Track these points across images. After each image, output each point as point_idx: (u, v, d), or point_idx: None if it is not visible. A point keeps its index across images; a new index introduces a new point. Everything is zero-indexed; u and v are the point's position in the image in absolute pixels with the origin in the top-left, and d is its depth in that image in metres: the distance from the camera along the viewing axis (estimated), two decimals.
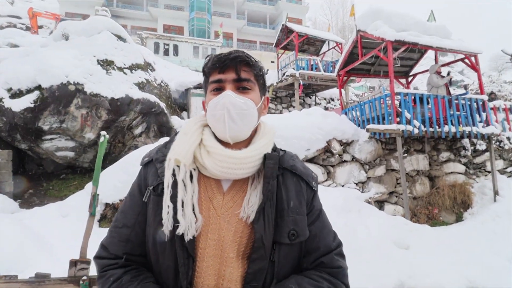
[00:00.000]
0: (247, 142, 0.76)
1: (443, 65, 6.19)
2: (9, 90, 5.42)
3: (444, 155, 5.84)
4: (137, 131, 6.58)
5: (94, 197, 1.72)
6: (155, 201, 0.70)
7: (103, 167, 4.13)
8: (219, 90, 0.73)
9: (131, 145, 6.54)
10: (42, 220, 3.77)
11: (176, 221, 0.65)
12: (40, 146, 5.67)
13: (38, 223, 3.66)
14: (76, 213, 3.83)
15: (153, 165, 0.75)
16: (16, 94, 5.40)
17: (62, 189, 5.66)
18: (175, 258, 0.66)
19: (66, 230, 3.51)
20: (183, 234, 0.65)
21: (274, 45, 12.16)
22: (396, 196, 5.28)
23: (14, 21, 20.44)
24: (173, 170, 0.69)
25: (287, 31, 11.11)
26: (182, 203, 0.67)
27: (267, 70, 13.28)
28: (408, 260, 3.47)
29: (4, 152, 5.38)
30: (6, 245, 2.92)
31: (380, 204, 5.13)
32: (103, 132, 1.78)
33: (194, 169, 0.71)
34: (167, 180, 0.68)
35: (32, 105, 5.26)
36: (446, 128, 5.08)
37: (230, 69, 0.73)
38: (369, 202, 4.84)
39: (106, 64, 6.27)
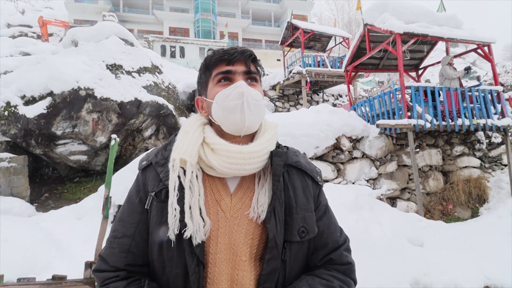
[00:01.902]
0: (250, 138, 0.74)
1: (455, 56, 6.01)
2: (23, 97, 5.59)
3: (458, 149, 5.67)
4: (147, 133, 6.68)
5: (107, 200, 1.75)
6: (159, 207, 0.66)
7: (115, 169, 4.21)
8: (227, 80, 0.71)
9: (141, 147, 6.64)
10: (58, 223, 3.88)
11: (183, 225, 0.62)
12: (54, 150, 5.83)
13: (54, 226, 3.76)
14: (90, 215, 3.92)
15: (152, 169, 0.71)
16: (30, 101, 5.56)
17: (76, 192, 5.80)
18: (184, 265, 0.63)
19: (81, 232, 3.60)
20: (191, 240, 0.63)
21: (279, 43, 12.09)
22: (409, 193, 5.17)
23: (26, 30, 21.08)
24: (178, 172, 0.66)
25: (292, 28, 11.02)
26: (190, 205, 0.64)
27: (266, 75, 13.27)
28: (423, 257, 3.39)
29: (20, 158, 5.56)
30: (24, 248, 3.01)
31: (392, 200, 5.04)
32: (113, 136, 1.81)
33: (198, 170, 0.69)
34: (173, 182, 0.65)
35: (45, 111, 5.41)
36: (459, 121, 4.94)
37: (240, 61, 0.71)
38: (381, 199, 4.76)
39: (115, 68, 6.38)
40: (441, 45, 6.69)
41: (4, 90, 5.67)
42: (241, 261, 0.66)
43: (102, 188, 4.55)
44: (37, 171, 6.17)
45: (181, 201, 0.64)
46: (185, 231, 0.62)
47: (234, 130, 0.70)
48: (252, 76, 0.73)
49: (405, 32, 4.70)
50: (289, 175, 0.73)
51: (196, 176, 0.67)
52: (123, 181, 4.01)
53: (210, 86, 0.73)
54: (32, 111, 5.37)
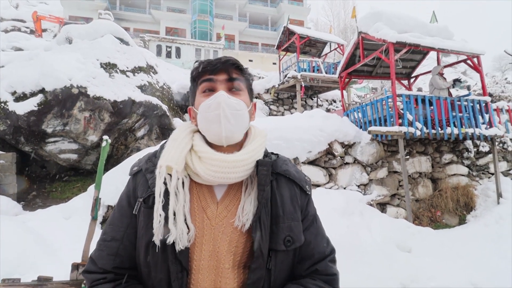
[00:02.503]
0: (238, 147, 0.74)
1: (446, 66, 6.16)
2: (14, 93, 5.48)
3: (447, 157, 5.80)
4: (140, 133, 6.62)
5: (96, 201, 1.74)
6: (146, 213, 0.67)
7: (106, 169, 4.15)
8: (210, 91, 0.72)
9: (133, 147, 6.58)
10: (45, 222, 3.80)
11: (167, 231, 0.63)
12: (43, 148, 5.72)
13: (41, 226, 3.68)
14: (79, 215, 3.86)
15: (142, 175, 0.73)
16: (20, 97, 5.46)
17: (65, 191, 5.70)
18: (168, 271, 0.64)
19: (68, 232, 3.53)
20: (175, 247, 0.64)
21: (275, 47, 12.19)
22: (399, 199, 5.25)
23: (19, 25, 20.68)
24: (165, 178, 0.67)
25: (288, 33, 11.14)
26: (174, 212, 0.65)
27: (259, 77, 13.26)
28: (411, 263, 3.45)
29: (8, 155, 5.43)
30: (9, 247, 2.94)
31: (382, 206, 5.11)
32: (105, 137, 1.80)
33: (186, 177, 0.69)
34: (159, 189, 0.66)
35: (36, 108, 5.32)
36: (448, 130, 5.05)
37: (222, 71, 0.72)
38: (371, 205, 4.82)
39: (109, 67, 6.32)
40: (433, 55, 6.86)
41: None
42: (224, 269, 0.66)
43: (91, 188, 4.48)
44: (25, 168, 6.04)
45: (166, 207, 0.65)
46: (168, 236, 0.63)
47: (215, 140, 0.71)
48: (235, 85, 0.73)
49: (398, 42, 4.81)
50: (278, 183, 0.74)
51: (183, 183, 0.68)
52: (113, 182, 3.96)
53: (196, 97, 0.75)
54: (22, 108, 5.27)
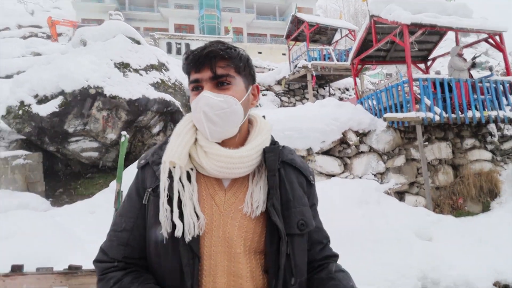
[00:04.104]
0: (243, 139, 0.75)
1: (465, 46, 5.86)
2: (35, 96, 5.76)
3: (469, 142, 5.56)
4: (155, 130, 6.79)
5: (119, 194, 1.82)
6: (155, 202, 0.68)
7: (126, 165, 4.32)
8: (198, 89, 0.71)
9: (150, 144, 6.77)
10: (72, 217, 4.03)
11: (174, 224, 0.65)
12: (66, 147, 6.01)
13: (69, 220, 3.91)
14: (103, 209, 4.05)
15: (149, 168, 0.74)
16: (42, 100, 5.72)
17: (89, 188, 5.98)
18: (178, 259, 0.65)
19: (94, 225, 3.72)
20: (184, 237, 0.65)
21: (284, 37, 11.99)
22: (418, 187, 5.12)
23: (36, 31, 21.49)
24: (170, 173, 0.68)
25: (297, 21, 10.90)
26: (180, 204, 0.66)
27: (269, 69, 13.07)
28: (431, 251, 3.38)
29: (34, 155, 5.76)
30: (41, 240, 3.15)
31: (400, 195, 5.00)
32: (123, 132, 1.87)
33: (192, 169, 0.70)
34: (163, 183, 0.67)
35: (57, 110, 5.57)
36: (470, 114, 4.84)
37: (206, 67, 0.69)
38: (388, 193, 4.73)
39: (123, 66, 6.48)
40: (451, 35, 6.52)
41: (17, 90, 5.85)
42: (236, 253, 0.67)
43: (113, 183, 4.67)
44: (51, 167, 6.38)
45: (171, 201, 0.66)
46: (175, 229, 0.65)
47: (208, 138, 0.71)
48: (222, 80, 0.69)
49: (412, 23, 4.60)
50: (285, 171, 0.75)
51: (189, 175, 0.69)
52: (132, 176, 4.11)
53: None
54: (44, 110, 5.53)
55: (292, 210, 0.71)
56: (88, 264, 2.03)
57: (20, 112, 5.60)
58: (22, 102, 5.66)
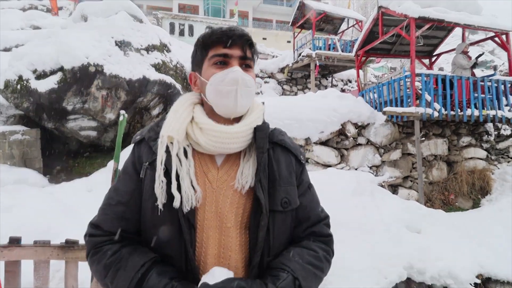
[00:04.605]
0: (237, 119, 0.77)
1: (471, 44, 5.79)
2: (34, 71, 5.67)
3: (465, 139, 5.62)
4: (155, 112, 6.76)
5: (116, 172, 1.86)
6: (152, 176, 0.70)
7: (124, 146, 4.34)
8: (222, 64, 0.73)
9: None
10: (70, 194, 4.09)
11: (170, 195, 0.67)
12: (65, 125, 5.99)
13: (66, 197, 3.97)
14: (101, 188, 4.10)
15: (145, 144, 0.76)
16: (41, 76, 5.64)
17: (86, 167, 6.02)
18: (176, 229, 0.68)
19: (91, 203, 3.77)
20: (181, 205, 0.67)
21: (290, 23, 11.73)
22: (411, 181, 5.20)
23: (36, 3, 20.83)
24: (167, 147, 0.70)
25: (304, 8, 10.64)
26: (178, 177, 0.68)
27: (273, 56, 12.84)
28: (419, 243, 3.49)
29: (32, 131, 5.75)
30: (40, 214, 3.22)
31: (394, 188, 5.09)
32: (122, 112, 1.89)
33: (188, 146, 0.73)
34: (160, 157, 0.69)
35: (56, 86, 5.50)
36: (468, 112, 4.85)
37: (237, 45, 0.73)
38: (382, 186, 4.82)
39: (124, 45, 6.36)
40: (458, 31, 6.42)
41: (16, 64, 5.75)
42: (226, 228, 0.71)
43: (111, 163, 4.71)
44: (49, 145, 6.38)
45: (168, 174, 0.68)
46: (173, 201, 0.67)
47: (225, 113, 0.74)
48: (247, 63, 0.75)
49: (420, 17, 4.53)
50: (274, 151, 0.78)
51: (186, 151, 0.71)
52: None
53: (205, 66, 0.76)
54: (43, 86, 5.47)
55: (277, 188, 0.74)
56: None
57: (19, 86, 5.54)
58: (20, 77, 5.58)
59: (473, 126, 5.76)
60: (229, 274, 0.67)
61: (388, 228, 3.56)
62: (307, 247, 0.75)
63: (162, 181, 0.67)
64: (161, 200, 0.67)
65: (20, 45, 8.81)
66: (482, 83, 4.98)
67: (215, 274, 0.65)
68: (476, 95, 4.94)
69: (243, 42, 0.73)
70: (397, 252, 3.23)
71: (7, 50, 9.32)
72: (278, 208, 0.73)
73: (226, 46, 0.72)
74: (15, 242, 1.63)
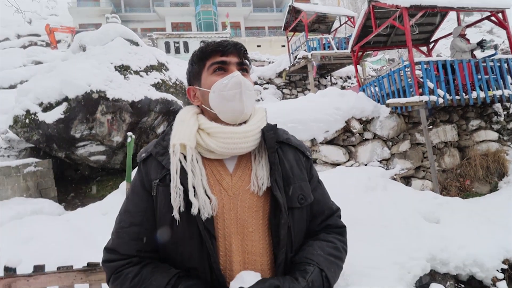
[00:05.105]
0: (242, 123, 0.79)
1: (467, 26, 5.74)
2: (40, 104, 5.86)
3: (474, 123, 5.51)
4: (159, 130, 6.86)
5: None
6: (166, 191, 0.69)
7: (133, 166, 4.38)
8: (222, 70, 0.76)
9: None
10: (86, 219, 4.14)
11: (189, 204, 0.66)
12: (74, 153, 6.13)
13: (82, 222, 4.03)
14: (115, 210, 4.14)
15: (153, 160, 0.75)
16: (47, 108, 5.82)
17: (99, 190, 6.12)
18: (196, 241, 0.67)
19: (106, 226, 3.83)
20: (200, 216, 0.66)
21: (282, 28, 11.87)
22: (424, 171, 5.11)
23: (35, 39, 21.65)
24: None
25: (294, 12, 10.77)
26: (193, 185, 0.67)
27: (269, 62, 12.95)
28: (439, 233, 3.41)
29: (44, 162, 5.89)
30: (58, 242, 3.27)
31: (407, 180, 5.01)
32: (129, 133, 1.93)
33: (198, 154, 0.73)
34: (175, 165, 0.68)
35: (62, 116, 5.66)
36: (474, 94, 4.78)
37: (233, 53, 0.76)
38: (394, 179, 4.74)
39: (123, 69, 6.53)
40: (453, 15, 6.38)
41: (22, 99, 5.96)
42: (248, 233, 0.71)
43: (122, 185, 4.78)
44: (62, 173, 6.52)
45: (184, 182, 0.68)
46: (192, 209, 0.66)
47: (231, 118, 0.75)
48: (244, 68, 0.78)
49: (412, 5, 4.53)
50: (283, 150, 0.80)
51: (196, 159, 0.71)
52: None
53: (204, 76, 0.78)
54: (50, 117, 5.63)
55: (292, 186, 0.75)
56: None
57: (27, 120, 5.72)
58: (28, 111, 5.77)
59: (480, 109, 5.65)
60: (257, 276, 0.67)
61: (405, 221, 3.48)
62: (325, 240, 0.78)
63: (179, 189, 0.67)
64: (176, 209, 0.66)
65: (24, 81, 9.12)
66: (484, 64, 4.91)
67: (244, 278, 0.65)
68: (479, 76, 4.87)
69: (238, 49, 0.77)
70: (418, 244, 3.15)
71: (12, 87, 9.67)
72: (295, 205, 0.75)
73: (223, 54, 0.76)
74: (39, 270, 1.67)
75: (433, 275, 3.07)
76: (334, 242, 0.78)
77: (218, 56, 0.75)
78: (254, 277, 0.66)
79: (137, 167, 0.81)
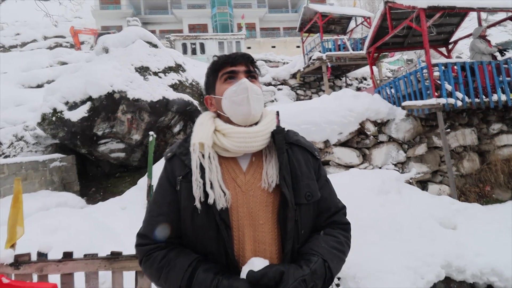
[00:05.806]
0: (253, 125, 0.87)
1: (489, 27, 5.55)
2: (66, 103, 6.20)
3: (495, 127, 5.31)
4: (176, 129, 7.08)
5: (150, 188, 2.01)
6: (188, 187, 0.80)
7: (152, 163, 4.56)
8: (232, 78, 0.86)
9: (172, 143, 7.08)
10: (106, 213, 4.36)
11: (207, 196, 0.76)
12: (96, 149, 6.44)
13: (103, 216, 4.24)
14: (133, 205, 4.35)
15: (177, 159, 0.86)
16: (72, 106, 6.16)
17: (119, 186, 6.40)
18: (214, 229, 0.77)
19: (125, 220, 4.02)
20: (216, 208, 0.76)
21: (297, 29, 11.86)
22: (441, 175, 4.98)
23: (60, 41, 22.78)
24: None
25: (309, 13, 10.75)
26: (210, 179, 0.77)
27: (283, 63, 12.91)
28: (455, 239, 3.34)
29: (69, 157, 6.24)
30: (81, 234, 3.48)
31: (423, 184, 4.90)
32: (151, 132, 2.06)
33: (214, 153, 0.82)
34: (195, 161, 0.79)
35: (86, 115, 5.98)
36: (495, 97, 4.62)
37: (241, 63, 0.87)
38: (410, 183, 4.66)
39: (143, 70, 6.79)
40: (474, 14, 6.17)
41: (50, 98, 6.33)
42: (259, 224, 0.80)
43: (141, 181, 4.98)
44: (84, 168, 6.87)
45: (203, 176, 0.78)
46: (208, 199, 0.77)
47: (242, 120, 0.85)
48: (252, 75, 0.88)
49: (429, 6, 4.44)
50: (292, 151, 0.88)
51: (213, 157, 0.82)
52: (159, 172, 4.37)
53: (218, 85, 0.89)
54: (75, 115, 5.96)
55: (300, 184, 0.84)
56: (124, 252, 2.26)
57: (54, 118, 6.07)
58: (55, 109, 6.13)
59: (502, 112, 5.44)
60: (266, 262, 0.76)
61: (420, 226, 3.43)
62: (330, 234, 0.86)
63: (199, 182, 0.78)
64: (198, 199, 0.77)
65: (51, 81, 9.64)
66: (506, 66, 4.73)
67: (255, 263, 0.74)
68: (501, 79, 4.70)
69: (245, 59, 0.88)
70: (432, 250, 3.10)
71: (39, 86, 10.25)
72: (303, 201, 0.82)
73: (232, 65, 0.87)
74: (68, 256, 1.82)
75: (448, 283, 3.02)
76: (338, 237, 0.85)
77: (228, 67, 0.87)
78: (263, 263, 0.75)
79: (163, 164, 0.93)
